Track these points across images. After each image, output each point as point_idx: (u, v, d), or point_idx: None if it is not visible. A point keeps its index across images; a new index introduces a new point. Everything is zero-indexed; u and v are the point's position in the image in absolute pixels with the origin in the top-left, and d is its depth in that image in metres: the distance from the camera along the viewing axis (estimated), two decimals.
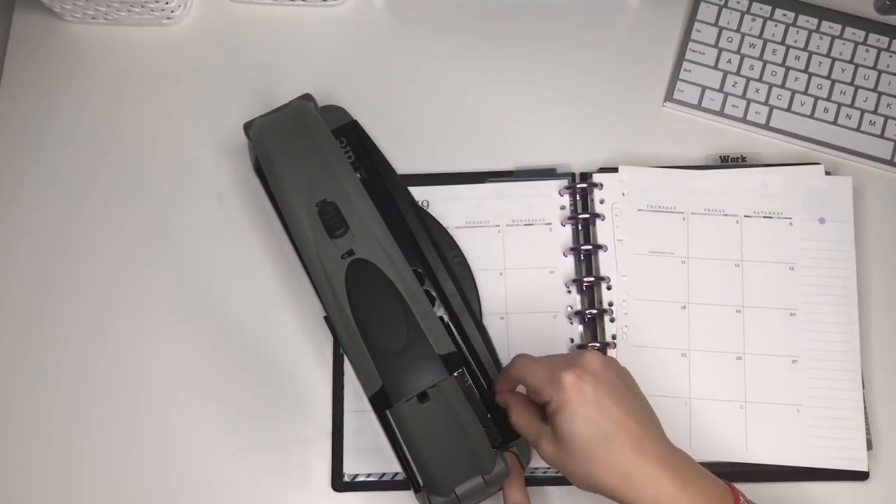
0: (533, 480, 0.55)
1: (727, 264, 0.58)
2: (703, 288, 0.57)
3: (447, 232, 0.59)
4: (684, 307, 0.57)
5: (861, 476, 0.55)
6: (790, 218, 0.58)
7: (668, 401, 0.55)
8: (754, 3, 0.63)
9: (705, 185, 0.59)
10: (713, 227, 0.58)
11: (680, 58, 0.63)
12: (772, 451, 0.55)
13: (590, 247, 0.58)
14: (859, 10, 0.64)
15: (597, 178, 0.59)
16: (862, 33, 0.62)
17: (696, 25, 0.63)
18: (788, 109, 0.62)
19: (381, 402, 0.48)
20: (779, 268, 0.58)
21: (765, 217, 0.58)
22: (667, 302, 0.57)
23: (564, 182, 0.59)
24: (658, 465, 0.43)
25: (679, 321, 0.57)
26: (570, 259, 0.58)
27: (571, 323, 0.57)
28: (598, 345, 0.56)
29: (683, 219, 0.58)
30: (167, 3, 0.63)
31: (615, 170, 0.60)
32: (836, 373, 0.56)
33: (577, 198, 0.59)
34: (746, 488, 0.55)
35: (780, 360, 0.56)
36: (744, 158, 0.61)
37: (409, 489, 0.52)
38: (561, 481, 0.55)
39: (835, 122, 0.61)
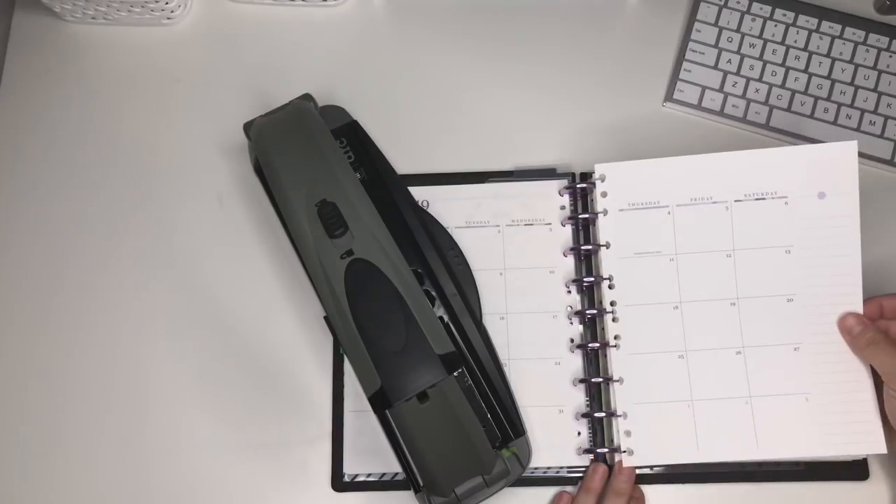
0: (533, 481, 0.55)
1: (718, 255, 0.55)
2: (693, 284, 0.55)
3: (447, 232, 0.59)
4: (676, 307, 0.55)
5: (862, 475, 0.54)
6: (785, 197, 0.54)
7: (670, 405, 0.54)
8: (754, 3, 0.63)
9: (691, 173, 0.56)
10: (700, 218, 0.55)
11: (680, 58, 0.63)
12: (783, 445, 0.52)
13: (590, 247, 0.58)
14: (859, 10, 0.63)
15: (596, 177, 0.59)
16: (862, 33, 0.62)
17: (696, 25, 0.63)
18: (788, 109, 0.62)
19: (380, 402, 0.48)
20: (772, 252, 0.55)
21: (757, 199, 0.55)
22: (659, 303, 0.55)
23: (564, 182, 0.59)
24: None
25: (672, 322, 0.55)
26: (570, 259, 0.58)
27: (571, 323, 0.57)
28: (597, 345, 0.56)
29: (668, 213, 0.56)
30: (167, 3, 0.63)
31: None
32: (842, 355, 0.53)
33: (577, 197, 0.59)
34: (746, 488, 0.55)
35: (782, 349, 0.54)
36: None
37: (409, 489, 0.52)
38: (561, 481, 0.55)
39: (835, 122, 0.61)
